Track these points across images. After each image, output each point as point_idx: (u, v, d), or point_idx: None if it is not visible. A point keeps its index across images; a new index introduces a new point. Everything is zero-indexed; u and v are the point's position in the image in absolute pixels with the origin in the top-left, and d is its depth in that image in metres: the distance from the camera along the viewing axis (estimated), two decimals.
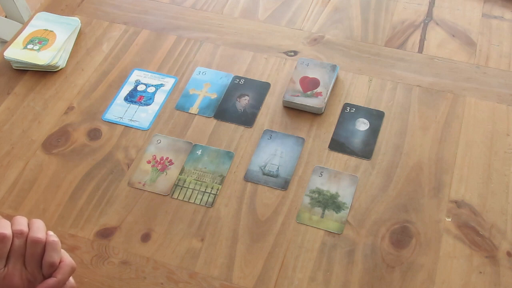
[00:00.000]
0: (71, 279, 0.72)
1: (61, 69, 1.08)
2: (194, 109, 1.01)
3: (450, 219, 0.85)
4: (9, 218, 0.71)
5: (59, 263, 0.69)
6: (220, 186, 0.90)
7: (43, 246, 0.69)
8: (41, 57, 1.06)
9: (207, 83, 1.04)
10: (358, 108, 0.99)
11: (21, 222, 0.69)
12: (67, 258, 0.71)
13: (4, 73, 1.08)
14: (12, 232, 0.68)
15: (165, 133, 0.97)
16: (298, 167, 0.92)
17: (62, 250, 0.71)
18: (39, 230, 0.69)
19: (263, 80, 1.04)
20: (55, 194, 0.91)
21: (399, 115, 0.97)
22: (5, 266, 0.67)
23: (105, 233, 0.86)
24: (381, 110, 0.98)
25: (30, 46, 1.09)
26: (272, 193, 0.89)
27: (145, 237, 0.85)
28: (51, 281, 0.68)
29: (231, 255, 0.83)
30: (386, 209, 0.86)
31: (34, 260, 0.68)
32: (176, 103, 1.02)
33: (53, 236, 0.70)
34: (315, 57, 1.07)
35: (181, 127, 0.98)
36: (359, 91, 1.01)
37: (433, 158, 0.91)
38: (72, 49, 1.11)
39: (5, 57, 1.07)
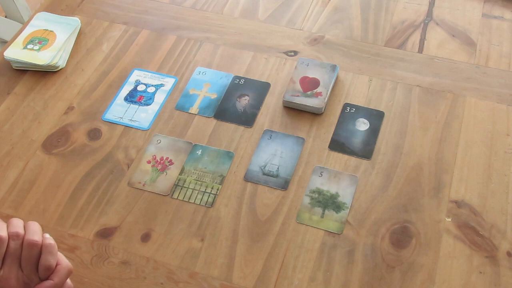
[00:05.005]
0: (68, 281, 0.72)
1: (61, 69, 1.08)
2: (194, 109, 1.01)
3: (450, 219, 0.85)
4: (9, 218, 0.71)
5: (56, 266, 0.69)
6: (220, 186, 0.90)
7: (40, 249, 0.68)
8: (41, 57, 1.06)
9: (207, 83, 1.04)
10: (358, 108, 0.99)
11: (17, 225, 0.69)
12: (64, 261, 0.70)
13: (4, 73, 1.08)
14: (8, 234, 0.67)
15: (165, 133, 0.97)
16: (298, 167, 0.92)
17: (59, 253, 0.70)
18: (35, 233, 0.69)
19: (263, 80, 1.04)
20: (55, 194, 0.91)
21: (399, 115, 0.97)
22: (1, 268, 0.67)
23: (105, 233, 0.86)
24: (381, 110, 0.98)
25: (30, 46, 1.09)
26: (272, 193, 0.89)
27: (145, 237, 0.85)
28: (47, 283, 0.68)
29: (231, 255, 0.83)
30: (386, 209, 0.86)
31: (30, 263, 0.68)
32: (176, 103, 1.02)
33: (49, 239, 0.69)
34: (315, 57, 1.07)
35: (181, 127, 0.98)
36: (359, 91, 1.01)
37: (433, 158, 0.91)
38: (72, 49, 1.11)
39: (5, 57, 1.07)
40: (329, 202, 0.87)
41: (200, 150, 0.95)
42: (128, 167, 0.93)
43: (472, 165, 0.90)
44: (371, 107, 0.99)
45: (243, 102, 1.01)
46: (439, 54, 1.06)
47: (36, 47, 1.08)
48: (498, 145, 0.92)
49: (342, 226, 0.85)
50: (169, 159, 0.94)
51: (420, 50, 1.07)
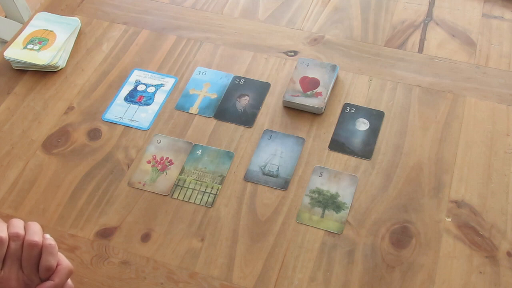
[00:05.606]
0: (69, 281, 0.72)
1: (61, 69, 1.08)
2: (194, 109, 1.01)
3: (450, 219, 0.85)
4: (9, 218, 0.71)
5: (57, 266, 0.69)
6: (220, 186, 0.90)
7: (40, 250, 0.68)
8: (41, 57, 1.06)
9: (207, 83, 1.04)
10: (358, 108, 0.99)
11: (18, 225, 0.69)
12: (64, 261, 0.70)
13: (4, 73, 1.08)
14: (8, 235, 0.67)
15: (165, 133, 0.97)
16: (298, 167, 0.92)
17: (59, 253, 0.70)
18: (36, 233, 0.69)
19: (263, 80, 1.04)
20: (55, 194, 0.91)
21: (399, 115, 0.97)
22: (1, 269, 0.67)
23: (105, 233, 0.86)
24: (381, 110, 0.98)
25: (30, 46, 1.09)
26: (272, 193, 0.89)
27: (145, 237, 0.85)
28: (48, 284, 0.68)
29: (231, 255, 0.83)
30: (386, 209, 0.86)
31: (30, 263, 0.68)
32: (176, 103, 1.02)
33: (49, 240, 0.69)
34: (315, 57, 1.07)
35: (181, 127, 0.98)
36: (359, 91, 1.01)
37: (433, 158, 0.91)
38: (72, 49, 1.11)
39: (5, 57, 1.07)
40: (329, 202, 0.87)
41: (200, 150, 0.95)
42: (128, 167, 0.93)
43: (472, 165, 0.90)
44: (371, 107, 0.99)
45: (243, 102, 1.01)
46: (439, 54, 1.06)
47: (36, 47, 1.08)
48: (498, 145, 0.92)
49: (342, 226, 0.85)
50: (169, 159, 0.94)
51: (420, 50, 1.07)
